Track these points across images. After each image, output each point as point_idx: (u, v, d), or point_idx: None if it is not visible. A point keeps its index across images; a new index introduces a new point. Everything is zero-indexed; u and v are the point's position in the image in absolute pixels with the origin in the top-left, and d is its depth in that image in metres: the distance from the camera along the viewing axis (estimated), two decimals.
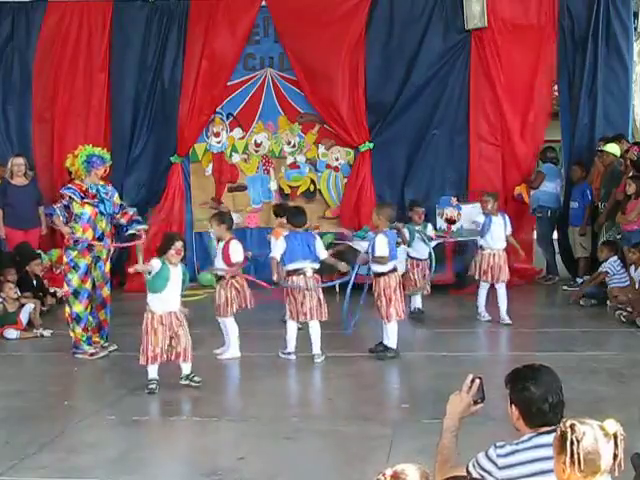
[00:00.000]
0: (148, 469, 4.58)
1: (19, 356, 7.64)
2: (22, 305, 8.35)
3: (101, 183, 7.28)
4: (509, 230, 8.41)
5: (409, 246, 8.28)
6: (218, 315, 7.18)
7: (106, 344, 7.39)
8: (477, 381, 3.11)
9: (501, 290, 8.21)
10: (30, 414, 5.79)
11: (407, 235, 8.07)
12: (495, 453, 2.92)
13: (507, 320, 8.12)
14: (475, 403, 3.12)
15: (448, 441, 3.13)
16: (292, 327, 7.05)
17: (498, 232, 8.27)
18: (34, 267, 9.10)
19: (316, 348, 6.92)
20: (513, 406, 2.99)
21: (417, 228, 8.45)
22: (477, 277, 8.32)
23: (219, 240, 7.24)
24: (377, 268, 6.98)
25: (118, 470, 4.59)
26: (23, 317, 8.26)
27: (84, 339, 7.21)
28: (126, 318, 9.20)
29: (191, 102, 11.03)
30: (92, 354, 7.18)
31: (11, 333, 8.12)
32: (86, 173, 7.09)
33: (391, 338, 6.97)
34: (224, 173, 11.37)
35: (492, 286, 8.29)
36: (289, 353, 6.99)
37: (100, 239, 7.17)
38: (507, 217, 8.47)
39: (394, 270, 7.06)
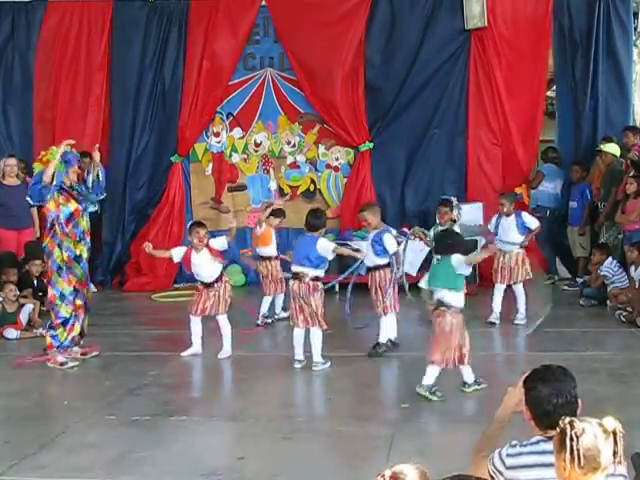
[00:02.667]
0: (148, 469, 4.58)
1: (19, 356, 7.63)
2: (22, 305, 8.35)
3: (75, 183, 7.02)
4: (535, 226, 8.14)
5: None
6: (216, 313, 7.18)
7: (84, 349, 7.19)
8: None
9: (518, 291, 8.15)
10: (30, 414, 5.79)
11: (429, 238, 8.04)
12: (505, 452, 2.89)
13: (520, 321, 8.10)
14: None
15: (491, 431, 3.11)
16: (295, 334, 6.75)
17: (508, 233, 8.14)
18: (33, 267, 9.09)
19: (315, 356, 6.68)
20: (526, 405, 2.96)
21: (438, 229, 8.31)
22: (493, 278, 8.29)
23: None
24: (377, 261, 7.00)
25: (118, 470, 4.59)
26: (23, 317, 8.26)
27: (66, 342, 6.99)
28: (126, 318, 9.24)
29: (192, 102, 11.03)
30: (62, 363, 6.90)
31: (11, 333, 8.12)
32: (64, 173, 6.86)
33: (382, 332, 7.00)
34: (224, 173, 11.37)
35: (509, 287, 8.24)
36: (295, 360, 6.74)
37: (81, 238, 7.02)
38: (524, 216, 8.20)
39: (389, 265, 7.06)
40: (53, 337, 6.96)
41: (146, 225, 11.21)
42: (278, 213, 8.46)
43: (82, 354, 7.13)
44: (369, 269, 7.14)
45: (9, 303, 8.28)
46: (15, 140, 11.35)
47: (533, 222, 8.23)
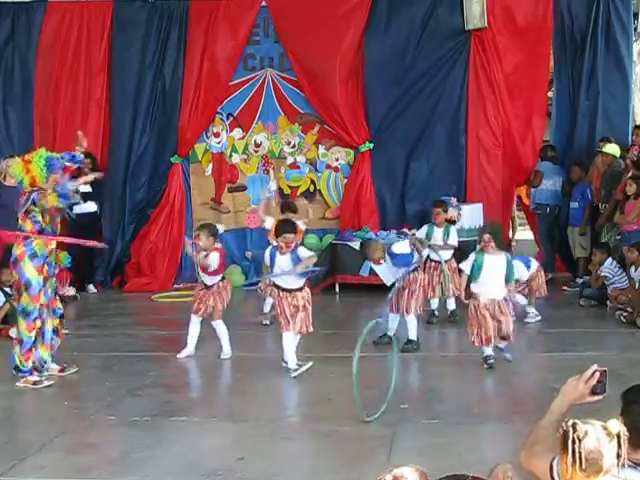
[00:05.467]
0: (148, 469, 4.58)
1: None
2: None
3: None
4: None
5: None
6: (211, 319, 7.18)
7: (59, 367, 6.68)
8: (597, 374, 2.92)
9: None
10: (30, 414, 5.79)
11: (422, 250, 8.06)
12: None
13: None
14: (594, 394, 2.91)
15: (548, 422, 2.88)
16: None
17: None
18: None
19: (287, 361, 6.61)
20: (620, 417, 2.78)
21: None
22: None
23: (204, 250, 7.00)
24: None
25: (118, 470, 4.59)
26: None
27: (25, 368, 6.40)
28: (126, 318, 9.23)
29: (192, 103, 11.03)
30: (35, 382, 6.36)
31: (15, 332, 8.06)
32: (45, 180, 6.29)
33: (411, 330, 7.24)
34: (224, 173, 11.37)
35: None
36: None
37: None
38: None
39: (416, 269, 7.31)
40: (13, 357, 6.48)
41: (146, 225, 11.21)
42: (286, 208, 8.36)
43: (60, 371, 6.68)
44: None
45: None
46: (15, 141, 11.32)
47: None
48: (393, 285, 7.17)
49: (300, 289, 6.56)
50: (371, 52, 10.76)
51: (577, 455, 2.37)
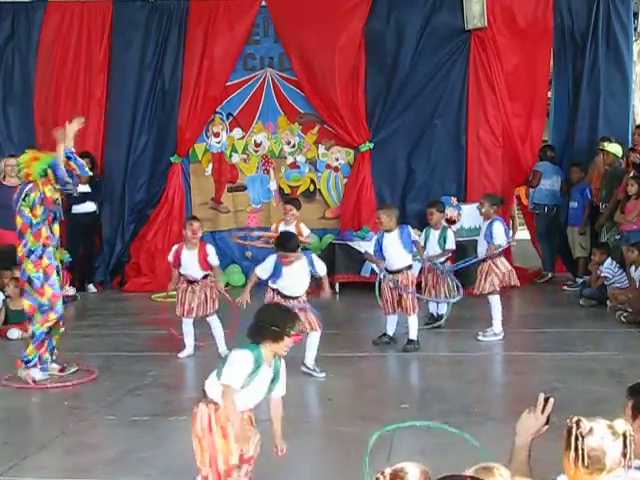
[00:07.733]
0: (148, 469, 4.57)
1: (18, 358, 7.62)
2: None
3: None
4: (497, 242, 7.51)
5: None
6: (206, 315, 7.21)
7: (60, 366, 6.64)
8: (551, 400, 2.84)
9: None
10: (30, 414, 5.78)
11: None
12: None
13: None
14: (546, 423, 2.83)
15: (524, 458, 2.84)
16: None
17: (481, 238, 7.75)
18: None
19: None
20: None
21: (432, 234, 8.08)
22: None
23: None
24: (404, 262, 7.25)
25: (118, 470, 4.59)
26: None
27: (34, 358, 6.46)
28: (126, 318, 9.23)
29: (191, 102, 11.03)
30: (35, 381, 6.40)
31: (13, 333, 8.06)
32: (38, 177, 6.46)
33: (412, 329, 7.22)
34: (224, 173, 11.37)
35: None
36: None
37: (57, 247, 6.58)
38: (494, 227, 7.54)
39: (410, 267, 7.30)
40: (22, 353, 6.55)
41: (146, 225, 11.21)
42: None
43: (60, 371, 6.62)
44: (395, 271, 7.25)
45: (14, 301, 8.18)
46: (15, 140, 11.31)
47: (497, 237, 7.51)
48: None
49: (298, 297, 6.49)
50: (371, 52, 10.77)
51: (580, 452, 2.37)
